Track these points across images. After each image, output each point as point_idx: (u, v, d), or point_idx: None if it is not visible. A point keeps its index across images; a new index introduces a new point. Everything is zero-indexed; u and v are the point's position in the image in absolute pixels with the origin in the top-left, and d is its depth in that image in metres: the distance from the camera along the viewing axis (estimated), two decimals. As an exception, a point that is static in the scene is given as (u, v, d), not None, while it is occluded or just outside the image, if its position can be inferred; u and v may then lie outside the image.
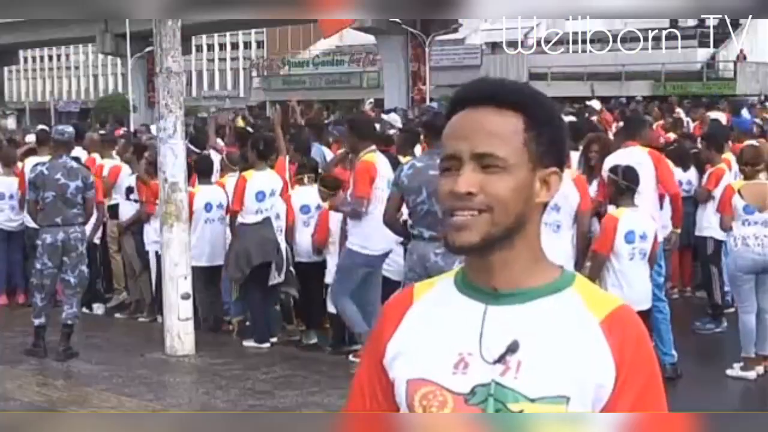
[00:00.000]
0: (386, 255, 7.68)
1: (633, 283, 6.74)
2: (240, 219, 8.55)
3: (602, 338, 1.62)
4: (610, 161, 7.78)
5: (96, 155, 11.48)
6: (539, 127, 1.64)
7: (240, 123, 15.19)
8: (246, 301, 9.04)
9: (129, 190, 10.23)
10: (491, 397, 1.61)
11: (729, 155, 9.45)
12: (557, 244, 6.56)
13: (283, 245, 8.65)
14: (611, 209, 7.04)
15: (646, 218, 7.03)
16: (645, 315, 6.69)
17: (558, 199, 6.59)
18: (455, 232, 1.63)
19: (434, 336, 1.68)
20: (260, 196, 8.50)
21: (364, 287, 7.76)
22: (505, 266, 1.66)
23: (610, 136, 10.93)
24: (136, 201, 10.06)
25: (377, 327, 1.78)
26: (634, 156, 7.59)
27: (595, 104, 17.95)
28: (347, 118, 11.69)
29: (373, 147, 7.75)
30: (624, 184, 6.89)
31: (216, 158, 10.50)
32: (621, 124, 13.93)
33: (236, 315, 9.28)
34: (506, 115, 1.63)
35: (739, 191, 7.59)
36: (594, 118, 14.94)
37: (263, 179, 8.58)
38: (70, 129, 9.10)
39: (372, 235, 7.48)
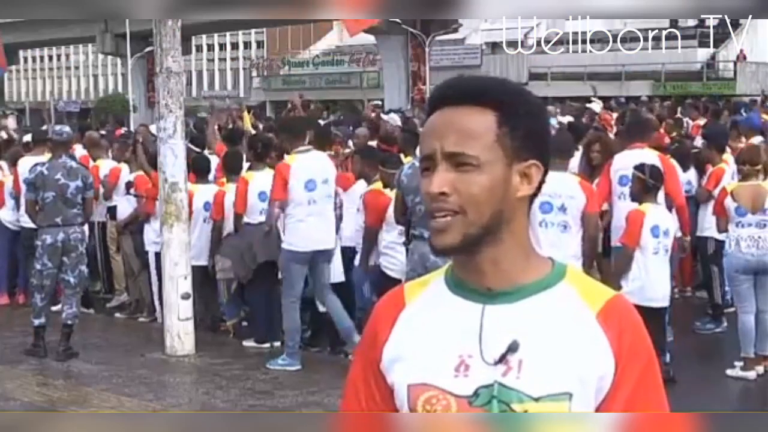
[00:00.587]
0: (321, 254, 7.81)
1: (654, 279, 6.80)
2: (245, 219, 8.55)
3: (599, 330, 1.63)
4: (618, 162, 7.78)
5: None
6: (514, 121, 1.64)
7: (247, 121, 15.06)
8: (245, 302, 9.04)
9: (128, 185, 10.22)
10: (495, 399, 1.61)
11: (729, 156, 9.44)
12: (566, 243, 6.60)
13: None
14: (634, 205, 7.08)
15: (668, 215, 7.11)
16: (661, 312, 6.72)
17: (564, 200, 6.66)
18: (435, 234, 1.64)
19: (432, 339, 1.67)
20: (263, 196, 8.51)
21: (317, 289, 7.99)
22: (495, 264, 1.65)
23: (611, 136, 10.95)
24: (135, 196, 10.05)
25: (370, 329, 1.77)
26: (645, 158, 7.58)
27: (596, 106, 17.92)
28: (279, 121, 11.56)
29: (301, 147, 7.79)
30: (651, 183, 6.94)
31: (214, 160, 10.50)
32: (621, 124, 13.97)
33: (231, 317, 9.25)
34: (479, 112, 1.63)
35: (731, 193, 7.60)
36: (594, 119, 14.92)
37: (264, 179, 8.59)
38: (68, 129, 9.12)
39: (295, 234, 7.72)
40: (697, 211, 9.22)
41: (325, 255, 7.87)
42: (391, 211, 7.44)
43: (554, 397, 1.60)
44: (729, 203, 7.57)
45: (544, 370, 1.61)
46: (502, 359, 1.62)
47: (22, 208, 9.86)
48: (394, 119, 16.41)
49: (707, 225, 8.95)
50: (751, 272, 7.53)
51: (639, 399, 1.63)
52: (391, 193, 7.54)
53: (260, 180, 8.55)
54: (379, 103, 23.76)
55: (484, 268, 1.66)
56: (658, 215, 6.96)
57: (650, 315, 6.16)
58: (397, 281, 7.51)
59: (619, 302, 1.68)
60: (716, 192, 8.43)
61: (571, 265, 1.73)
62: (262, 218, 8.48)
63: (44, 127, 15.29)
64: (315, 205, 7.73)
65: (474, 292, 1.67)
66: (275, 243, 8.50)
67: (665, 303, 6.92)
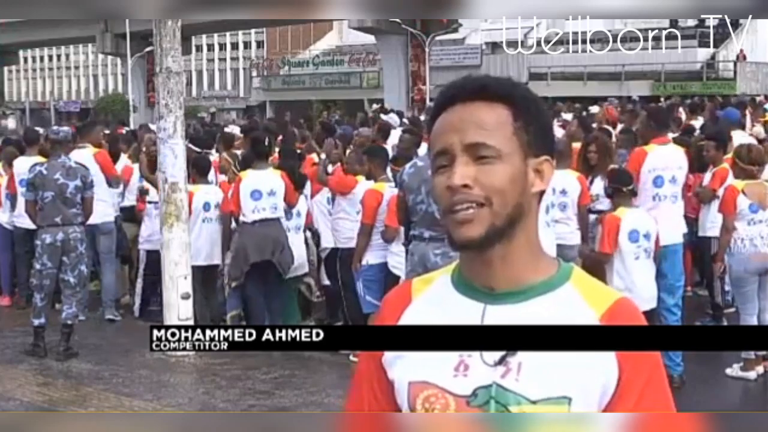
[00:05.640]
0: (99, 228, 9.51)
1: (638, 283, 6.73)
2: (241, 218, 8.58)
3: None
4: (650, 162, 7.65)
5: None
6: (526, 117, 1.65)
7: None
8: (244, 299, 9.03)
9: (141, 190, 10.19)
10: (492, 400, 1.61)
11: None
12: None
13: (300, 241, 8.81)
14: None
15: (647, 218, 7.04)
16: (649, 315, 6.69)
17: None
18: (458, 227, 1.61)
19: None
20: (256, 195, 8.50)
21: None
22: (504, 262, 1.64)
23: (614, 132, 10.99)
24: (150, 202, 10.04)
25: (377, 322, 1.77)
26: (673, 156, 7.73)
27: (595, 109, 17.94)
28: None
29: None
30: (610, 189, 6.94)
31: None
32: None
33: (231, 309, 9.21)
34: (494, 107, 1.64)
35: (743, 191, 7.55)
36: (594, 124, 14.90)
37: (260, 178, 8.58)
38: (65, 128, 9.11)
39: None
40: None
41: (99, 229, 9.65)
42: None
43: (552, 400, 1.58)
44: (741, 201, 7.50)
45: (544, 374, 1.59)
46: (502, 360, 1.61)
47: (19, 208, 9.87)
48: (394, 119, 16.42)
49: (709, 225, 8.91)
50: (763, 271, 7.47)
51: (646, 406, 1.60)
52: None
53: (255, 179, 8.56)
54: (387, 107, 23.57)
55: (493, 266, 1.64)
56: (635, 219, 6.84)
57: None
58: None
59: (623, 306, 1.66)
60: (719, 192, 8.40)
61: (577, 267, 1.71)
62: (256, 216, 8.52)
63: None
64: None
65: (477, 291, 1.66)
66: (270, 244, 8.50)
67: (652, 304, 6.87)
